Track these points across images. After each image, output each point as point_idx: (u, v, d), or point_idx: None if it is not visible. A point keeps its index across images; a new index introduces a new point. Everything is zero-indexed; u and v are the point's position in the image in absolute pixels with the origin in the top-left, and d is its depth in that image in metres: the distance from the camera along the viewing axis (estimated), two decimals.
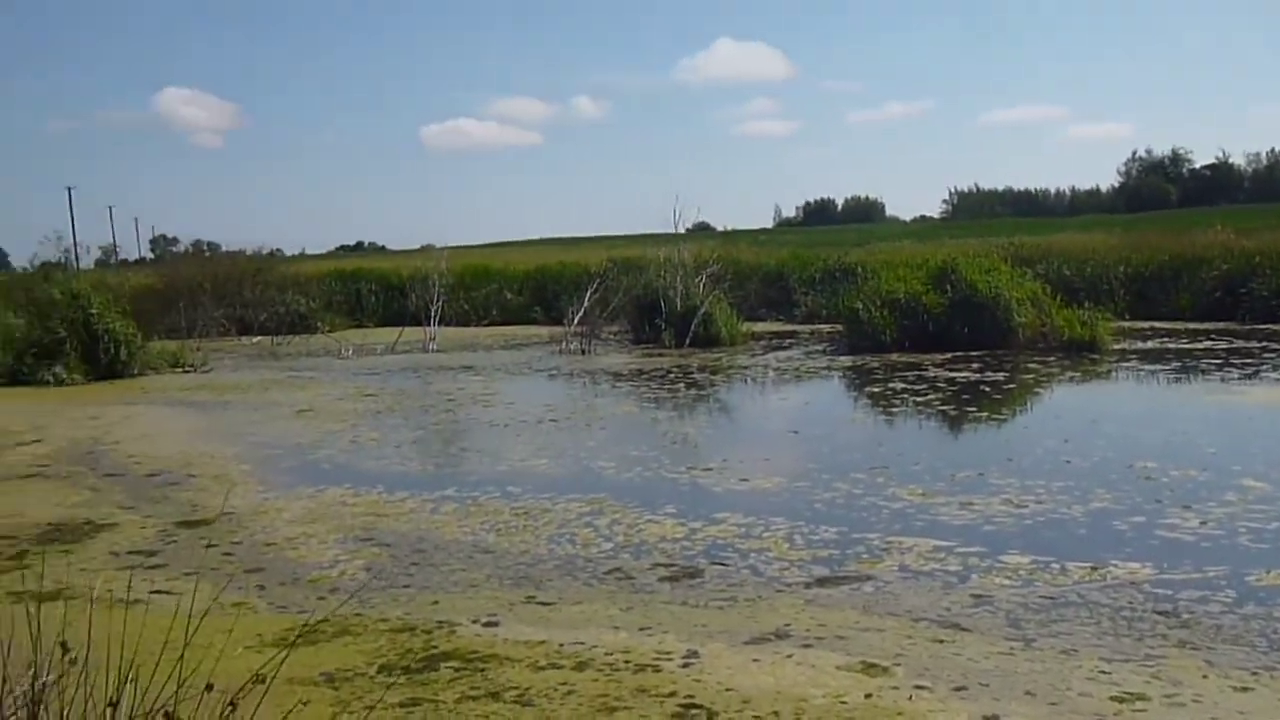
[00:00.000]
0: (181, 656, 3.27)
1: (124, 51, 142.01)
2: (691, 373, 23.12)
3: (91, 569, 9.11)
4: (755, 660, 6.63)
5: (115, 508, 11.88)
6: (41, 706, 3.03)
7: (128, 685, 3.13)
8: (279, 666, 3.70)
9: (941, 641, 6.93)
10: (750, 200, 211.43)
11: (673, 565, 8.99)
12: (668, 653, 6.80)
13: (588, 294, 31.07)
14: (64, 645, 3.21)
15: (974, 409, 17.06)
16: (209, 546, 10.07)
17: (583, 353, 28.26)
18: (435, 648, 7.08)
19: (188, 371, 27.45)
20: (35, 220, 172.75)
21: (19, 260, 70.11)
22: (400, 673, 6.62)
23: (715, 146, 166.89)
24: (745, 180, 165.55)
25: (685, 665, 6.56)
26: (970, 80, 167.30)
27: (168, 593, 8.33)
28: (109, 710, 3.05)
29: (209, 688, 3.16)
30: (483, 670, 6.60)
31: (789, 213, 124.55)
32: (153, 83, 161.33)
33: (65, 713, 3.13)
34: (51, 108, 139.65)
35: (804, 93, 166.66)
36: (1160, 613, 7.44)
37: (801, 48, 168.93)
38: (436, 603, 8.16)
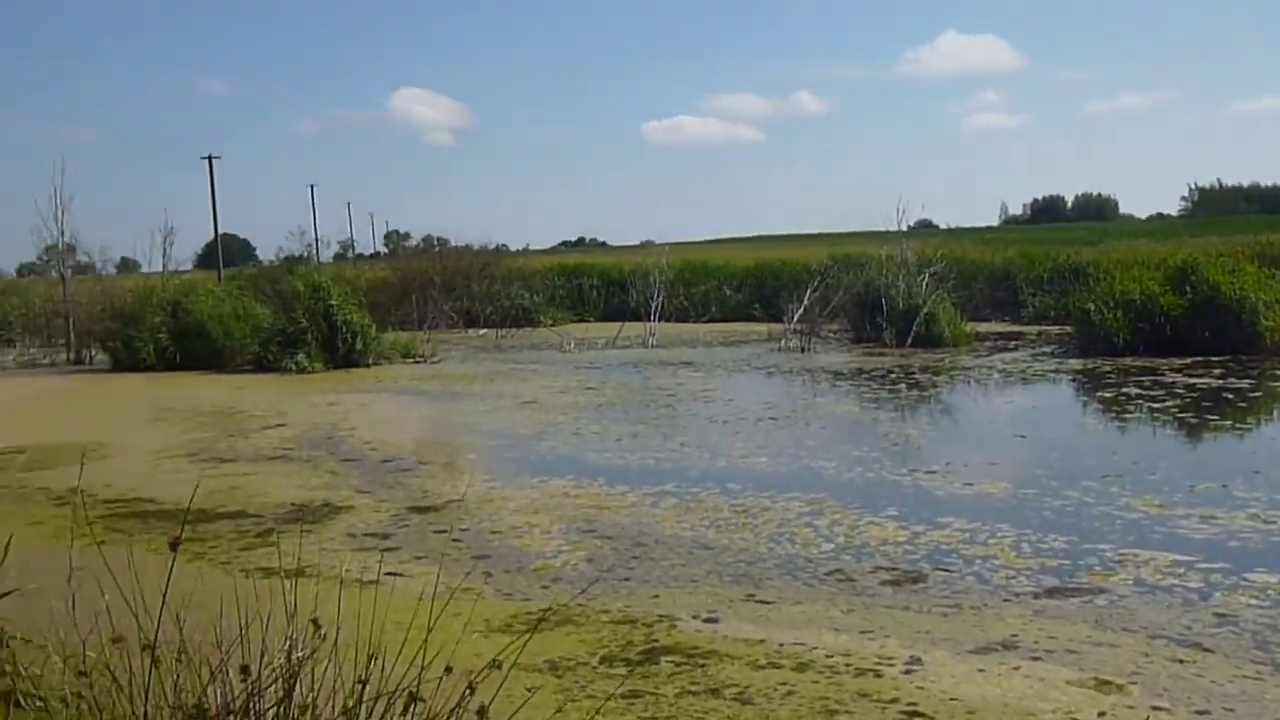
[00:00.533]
0: (425, 640, 3.38)
1: (363, 54, 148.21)
2: (913, 373, 22.69)
3: (331, 549, 9.54)
4: (981, 670, 6.46)
5: (352, 491, 12.42)
6: (297, 680, 3.18)
7: (373, 664, 3.25)
8: (517, 652, 3.78)
9: (1182, 661, 6.59)
10: (975, 197, 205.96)
11: (895, 569, 8.83)
12: (890, 658, 6.69)
13: (808, 291, 30.85)
14: (315, 623, 3.36)
15: (1216, 417, 16.18)
16: (439, 532, 10.43)
17: (802, 350, 28.09)
18: (656, 641, 7.14)
19: (418, 362, 28.48)
20: (280, 216, 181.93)
21: (265, 254, 74.01)
22: (621, 664, 6.71)
23: (939, 141, 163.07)
24: (970, 176, 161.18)
25: (908, 671, 6.44)
26: (1214, 69, 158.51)
27: (401, 575, 8.65)
28: (358, 687, 3.18)
29: (448, 670, 3.25)
30: (703, 666, 6.62)
31: (1016, 210, 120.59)
32: (389, 83, 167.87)
33: (317, 686, 3.28)
34: (299, 109, 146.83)
35: (1033, 84, 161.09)
36: None
37: (1030, 38, 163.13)
38: (657, 597, 8.23)
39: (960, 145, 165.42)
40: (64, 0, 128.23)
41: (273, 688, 3.22)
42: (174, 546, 3.13)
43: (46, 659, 3.53)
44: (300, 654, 3.24)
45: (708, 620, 7.58)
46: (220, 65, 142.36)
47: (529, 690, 6.01)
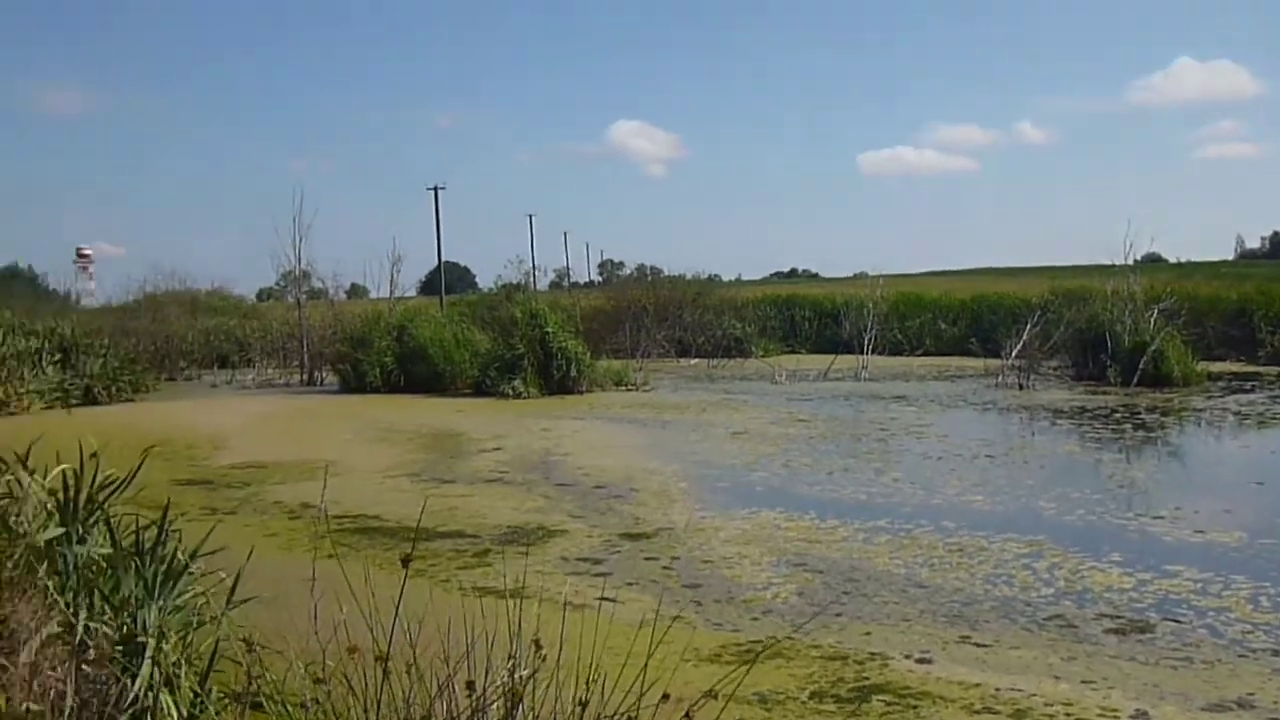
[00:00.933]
0: (645, 666, 3.43)
1: (583, 88, 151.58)
2: (1139, 413, 21.74)
3: (545, 571, 9.72)
4: None
5: (566, 515, 12.66)
6: (520, 699, 3.27)
7: (592, 687, 3.32)
8: (735, 685, 3.80)
9: None
10: (1208, 229, 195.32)
11: (1119, 617, 8.47)
12: (1114, 710, 6.43)
13: (1027, 326, 29.92)
14: (538, 644, 3.45)
15: None
16: (650, 559, 10.53)
17: (1020, 387, 27.28)
18: (867, 679, 7.05)
19: (630, 390, 28.84)
20: (499, 245, 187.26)
21: (485, 281, 76.28)
22: (831, 701, 6.64)
23: (1170, 172, 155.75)
24: (1203, 208, 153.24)
25: None
26: None
27: (613, 600, 8.75)
28: (579, 710, 3.25)
29: (665, 698, 3.29)
30: (915, 707, 6.50)
31: (1253, 243, 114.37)
32: (607, 116, 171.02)
33: (538, 706, 3.36)
34: (520, 141, 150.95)
35: (1273, 112, 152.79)
36: None
37: (1271, 64, 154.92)
38: (869, 634, 8.11)
39: (1192, 176, 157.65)
40: (308, 42, 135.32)
41: (496, 704, 3.31)
42: (405, 563, 3.26)
43: (289, 665, 3.71)
44: (524, 673, 3.33)
45: (920, 660, 7.43)
46: (447, 99, 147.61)
47: None
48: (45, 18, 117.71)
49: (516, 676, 3.33)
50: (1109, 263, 31.49)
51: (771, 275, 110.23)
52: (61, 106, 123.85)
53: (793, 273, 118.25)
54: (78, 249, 69.98)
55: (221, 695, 5.57)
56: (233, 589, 6.03)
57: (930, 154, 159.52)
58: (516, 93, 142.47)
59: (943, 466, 15.74)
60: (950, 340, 40.95)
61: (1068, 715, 6.33)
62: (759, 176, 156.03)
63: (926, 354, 39.12)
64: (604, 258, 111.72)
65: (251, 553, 6.63)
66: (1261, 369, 31.42)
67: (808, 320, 45.51)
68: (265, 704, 3.71)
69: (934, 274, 73.42)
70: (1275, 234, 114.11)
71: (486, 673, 3.40)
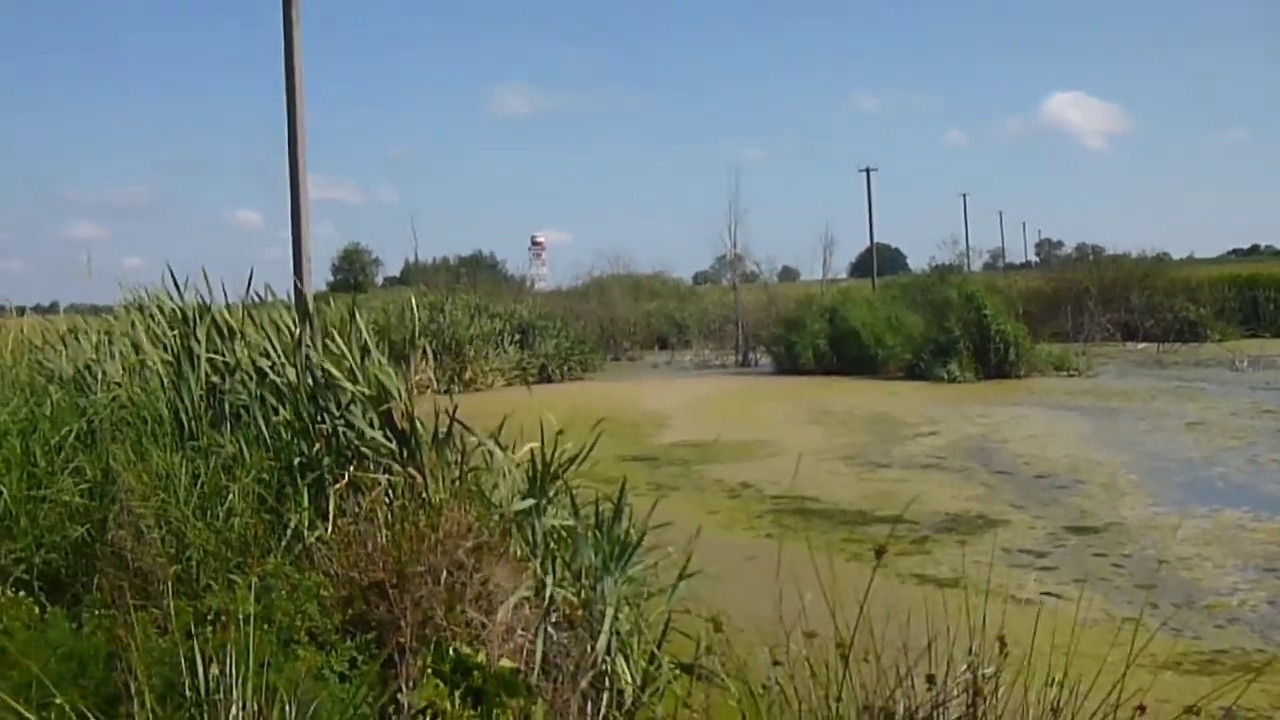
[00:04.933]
0: (1123, 675, 3.27)
1: (1012, 62, 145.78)
2: None
3: (984, 562, 9.47)
4: None
5: (1006, 505, 12.29)
6: (984, 697, 3.20)
7: (1067, 692, 3.20)
8: (1209, 701, 3.55)
9: None
10: None
11: None
12: None
13: None
14: (1002, 640, 3.36)
15: None
16: (1098, 555, 10.03)
17: None
18: None
19: (1071, 376, 27.59)
20: (930, 226, 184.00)
21: (916, 263, 75.26)
22: None
23: None
24: None
25: None
26: None
27: (1059, 597, 8.41)
28: (1050, 714, 3.14)
29: (1141, 709, 3.12)
30: None
31: None
32: (1041, 89, 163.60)
33: (1002, 706, 3.28)
34: (949, 120, 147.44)
35: None
36: None
37: None
38: None
39: None
40: (737, 29, 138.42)
41: (958, 700, 3.26)
42: (879, 554, 3.27)
43: (749, 646, 3.82)
44: (987, 671, 3.26)
45: None
46: (873, 81, 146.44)
47: None
48: (494, 19, 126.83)
49: (980, 673, 3.26)
50: None
51: (1229, 253, 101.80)
52: (515, 106, 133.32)
53: (1254, 249, 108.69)
54: (532, 237, 75.04)
55: (673, 665, 5.83)
56: (685, 564, 6.28)
57: None
58: (944, 73, 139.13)
59: None
60: None
61: None
62: (1212, 147, 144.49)
63: None
64: (1041, 237, 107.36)
65: (699, 531, 6.87)
66: None
67: (1273, 302, 41.66)
68: (726, 680, 3.83)
69: None
70: None
71: (948, 666, 3.35)
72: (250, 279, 8.68)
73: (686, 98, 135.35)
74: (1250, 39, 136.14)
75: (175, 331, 8.00)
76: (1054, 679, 3.43)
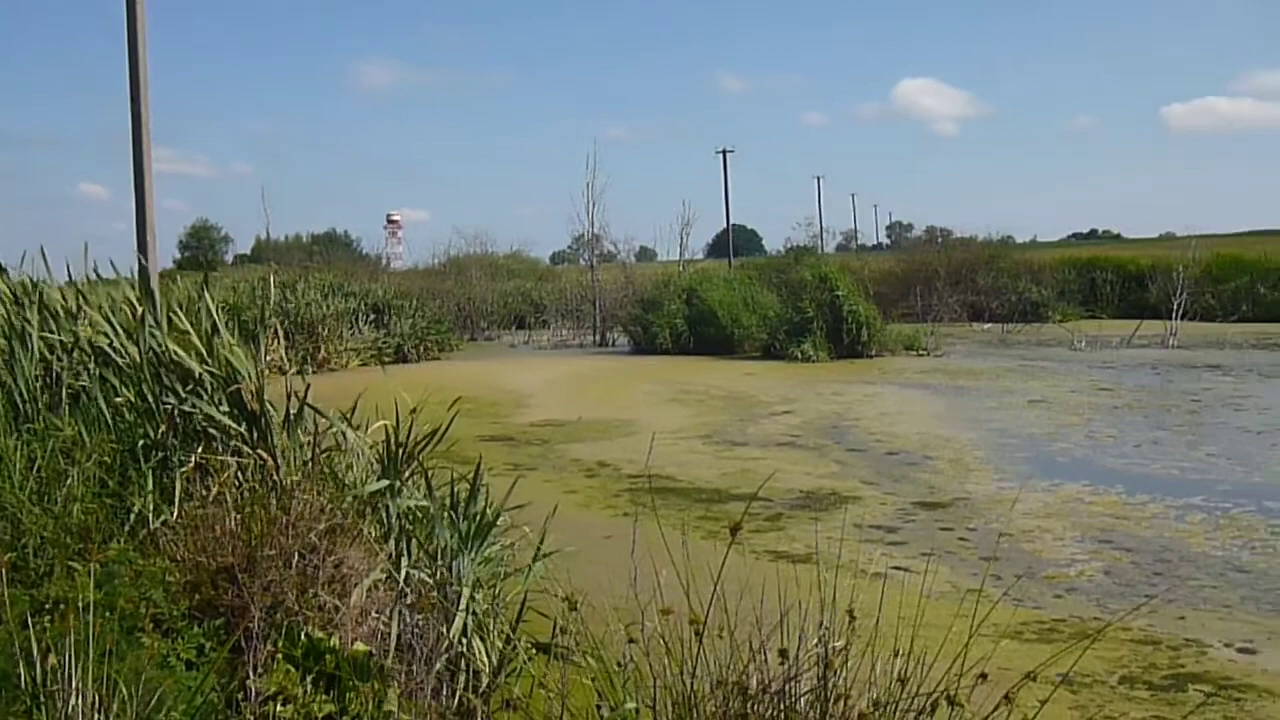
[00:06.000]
0: (966, 644, 3.36)
1: (871, 46, 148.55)
2: None
3: (836, 538, 9.66)
4: None
5: (858, 482, 12.56)
6: (834, 669, 3.26)
7: (913, 662, 3.28)
8: (1047, 665, 3.67)
9: None
10: None
11: None
12: None
13: None
14: (851, 614, 3.43)
15: None
16: (945, 530, 10.32)
17: None
18: (1182, 667, 6.70)
19: (921, 355, 28.30)
20: (786, 207, 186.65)
21: (772, 244, 76.29)
22: (1144, 687, 6.36)
23: None
24: None
25: None
26: None
27: (907, 570, 8.62)
28: (897, 685, 3.21)
29: (984, 677, 3.21)
30: (1239, 700, 6.13)
31: None
32: (895, 74, 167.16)
33: (851, 677, 3.35)
34: (808, 102, 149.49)
35: None
36: None
37: None
38: (1183, 619, 7.69)
39: None
40: (601, 8, 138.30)
41: (810, 674, 3.32)
42: (734, 531, 3.30)
43: (606, 624, 3.83)
44: (838, 643, 3.32)
45: (1243, 650, 7.00)
46: (740, 62, 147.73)
47: (1040, 702, 5.81)
48: None
49: (830, 646, 3.32)
50: None
51: (1069, 237, 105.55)
52: (381, 82, 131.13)
53: (1092, 234, 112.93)
54: (387, 215, 73.95)
55: (530, 645, 5.82)
56: (540, 544, 6.27)
57: (1246, 103, 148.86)
58: (805, 54, 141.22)
59: (1263, 442, 14.72)
60: (1271, 305, 38.07)
61: None
62: (1055, 134, 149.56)
63: (1243, 320, 36.51)
64: (892, 220, 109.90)
65: (555, 509, 6.86)
66: None
67: (1110, 284, 43.34)
68: (580, 658, 3.83)
69: (1253, 234, 68.49)
70: None
71: (800, 641, 3.40)
72: (86, 254, 8.37)
73: (552, 77, 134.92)
74: (1094, 30, 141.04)
75: (3, 310, 7.68)
76: (901, 650, 3.52)
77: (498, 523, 6.26)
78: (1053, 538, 9.98)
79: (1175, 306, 31.68)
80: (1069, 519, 10.64)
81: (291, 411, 6.49)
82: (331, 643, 4.86)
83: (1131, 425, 16.45)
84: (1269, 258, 41.96)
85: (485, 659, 5.71)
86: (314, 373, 19.77)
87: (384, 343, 29.80)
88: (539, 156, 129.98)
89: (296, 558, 5.09)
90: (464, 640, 5.62)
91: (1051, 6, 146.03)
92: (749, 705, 3.28)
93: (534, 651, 5.66)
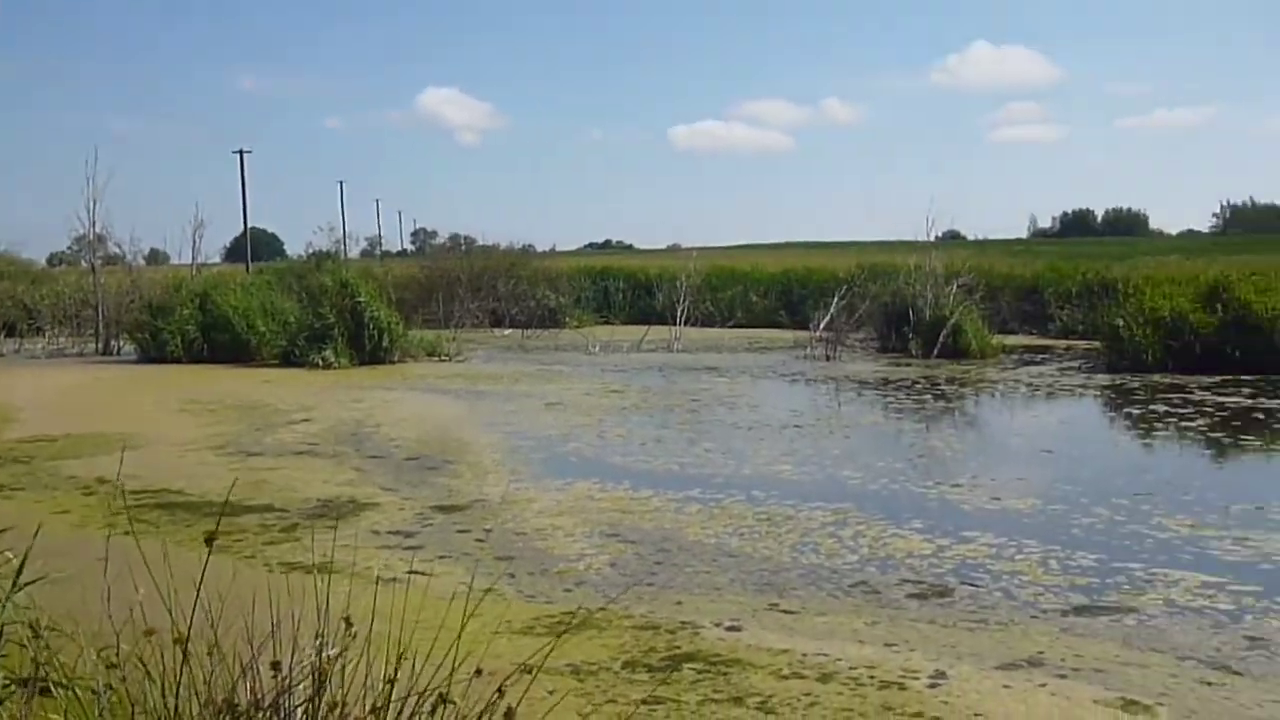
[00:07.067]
0: (457, 641, 3.38)
1: (394, 52, 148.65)
2: (939, 384, 22.59)
3: (354, 545, 9.51)
4: (1006, 686, 6.41)
5: (377, 488, 12.45)
6: (328, 678, 3.18)
7: (403, 664, 3.25)
8: (544, 658, 3.77)
9: (1210, 684, 6.53)
10: (1005, 209, 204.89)
11: (920, 582, 8.78)
12: (914, 671, 6.65)
13: (835, 300, 30.74)
14: (348, 621, 3.36)
15: (1250, 438, 16.02)
16: (463, 532, 10.44)
17: (827, 359, 27.99)
18: (678, 648, 7.12)
19: (444, 361, 28.55)
20: (309, 212, 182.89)
21: (294, 249, 74.41)
22: (644, 670, 6.69)
23: (971, 152, 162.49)
24: (1001, 188, 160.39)
25: (933, 685, 6.39)
26: (1249, 85, 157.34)
27: (424, 574, 8.63)
28: (387, 687, 3.18)
29: (478, 672, 3.25)
30: (725, 674, 6.59)
31: (1045, 223, 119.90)
32: (419, 82, 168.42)
33: (347, 685, 3.28)
34: (330, 106, 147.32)
35: (1065, 98, 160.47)
36: None
37: (1065, 51, 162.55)
38: (680, 603, 8.21)
39: (990, 157, 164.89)
40: None
41: (303, 684, 3.22)
42: (209, 541, 3.13)
43: (80, 650, 3.53)
44: (331, 651, 3.24)
45: (731, 628, 7.55)
46: (255, 61, 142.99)
47: (550, 693, 6.00)
48: None
49: (324, 655, 3.23)
50: (912, 239, 32.58)
51: (586, 246, 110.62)
52: None
53: (607, 244, 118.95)
54: None
55: (7, 681, 5.28)
56: (19, 570, 5.71)
57: (740, 128, 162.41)
58: (327, 56, 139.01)
59: (752, 436, 16.05)
60: (761, 312, 41.75)
61: (871, 677, 6.52)
62: (572, 147, 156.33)
63: (738, 326, 39.73)
64: (417, 226, 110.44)
65: (38, 531, 6.28)
66: (1052, 342, 32.97)
67: (622, 292, 45.89)
68: (54, 690, 3.52)
69: (746, 247, 74.80)
70: (1065, 214, 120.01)
71: (293, 652, 3.29)
72: None
73: (53, 66, 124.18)
74: (608, 49, 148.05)
75: None
76: (402, 653, 3.49)
77: None
78: (564, 534, 10.35)
79: (679, 313, 33.88)
80: (580, 515, 11.08)
81: None
82: None
83: (639, 424, 17.42)
84: (759, 269, 46.01)
85: None
86: None
87: None
88: (34, 150, 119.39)
89: None
90: None
91: (572, 24, 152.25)
92: None
93: (11, 688, 5.15)
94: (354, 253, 70.03)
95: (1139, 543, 9.91)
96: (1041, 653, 7.06)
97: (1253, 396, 19.69)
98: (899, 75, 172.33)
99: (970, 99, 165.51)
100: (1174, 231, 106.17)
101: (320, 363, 26.41)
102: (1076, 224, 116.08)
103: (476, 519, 10.96)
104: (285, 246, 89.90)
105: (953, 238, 61.17)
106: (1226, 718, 5.97)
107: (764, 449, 14.98)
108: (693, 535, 10.32)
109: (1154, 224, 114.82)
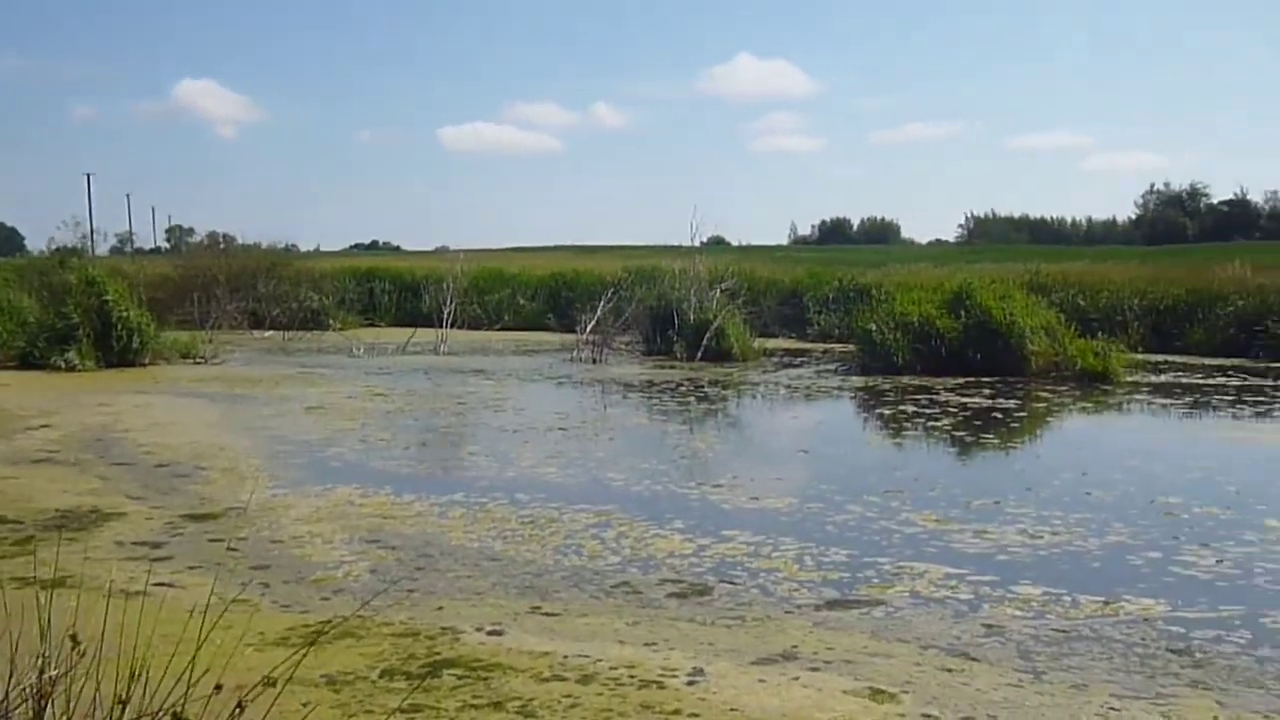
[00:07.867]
0: (195, 655, 3.22)
1: (149, 41, 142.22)
2: (702, 386, 23.06)
3: (97, 558, 9.05)
4: (761, 681, 6.56)
5: (123, 497, 11.85)
6: (49, 701, 2.97)
7: (136, 682, 3.08)
8: (292, 669, 3.64)
9: (950, 670, 6.85)
10: (768, 216, 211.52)
11: (681, 581, 8.92)
12: (673, 669, 6.73)
13: (601, 303, 31.02)
14: (74, 638, 3.16)
15: (989, 436, 16.93)
16: (215, 541, 10.04)
17: (594, 362, 28.21)
18: (438, 654, 7.02)
19: (199, 363, 27.47)
20: (53, 205, 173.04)
21: (35, 244, 70.33)
22: (402, 678, 6.56)
23: (735, 160, 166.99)
24: (763, 196, 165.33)
25: (691, 683, 6.49)
26: (995, 103, 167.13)
27: (173, 586, 8.30)
28: (118, 708, 3.00)
29: (218, 688, 3.10)
30: (486, 679, 6.53)
31: (805, 230, 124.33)
32: (174, 74, 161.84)
33: (72, 708, 3.08)
34: (79, 93, 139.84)
35: (828, 110, 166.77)
36: (1174, 651, 7.34)
37: (825, 65, 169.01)
38: (441, 609, 8.10)
39: (753, 165, 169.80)
40: None
41: (21, 708, 3.01)
42: None
43: None
44: (54, 672, 3.03)
45: (492, 633, 7.49)
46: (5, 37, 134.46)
47: (305, 706, 5.81)
48: None
49: (45, 676, 3.03)
50: (677, 244, 33.19)
51: (352, 247, 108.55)
52: None
53: (374, 245, 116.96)
54: None
55: None
56: None
57: (510, 130, 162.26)
58: (78, 41, 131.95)
59: (517, 440, 16.00)
60: (529, 315, 41.76)
61: (631, 677, 6.57)
62: (338, 145, 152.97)
63: (506, 329, 39.64)
64: (172, 223, 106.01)
65: None
66: (810, 345, 34.08)
67: (388, 293, 45.15)
68: None
69: (515, 250, 74.60)
70: (824, 222, 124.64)
71: (11, 674, 3.07)
72: None
73: None
74: (370, 48, 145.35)
75: None
76: (135, 671, 3.30)
77: None
78: (323, 541, 10.07)
79: (446, 315, 33.54)
80: (339, 522, 10.81)
81: None
82: None
83: (403, 428, 17.14)
84: (527, 271, 46.01)
85: None
86: None
87: None
88: None
89: None
90: None
91: (342, 21, 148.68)
92: None
93: None
94: (103, 249, 66.58)
95: (888, 538, 10.33)
96: (795, 646, 7.27)
97: (991, 397, 20.85)
98: (666, 83, 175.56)
99: (734, 109, 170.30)
100: (924, 240, 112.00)
101: (63, 364, 24.99)
102: (834, 232, 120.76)
103: (230, 527, 10.55)
104: (26, 242, 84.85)
105: (717, 243, 62.68)
106: (964, 702, 6.26)
107: (529, 452, 14.95)
108: (455, 540, 10.20)
109: (905, 233, 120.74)
